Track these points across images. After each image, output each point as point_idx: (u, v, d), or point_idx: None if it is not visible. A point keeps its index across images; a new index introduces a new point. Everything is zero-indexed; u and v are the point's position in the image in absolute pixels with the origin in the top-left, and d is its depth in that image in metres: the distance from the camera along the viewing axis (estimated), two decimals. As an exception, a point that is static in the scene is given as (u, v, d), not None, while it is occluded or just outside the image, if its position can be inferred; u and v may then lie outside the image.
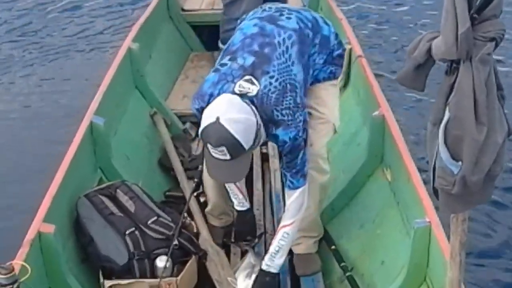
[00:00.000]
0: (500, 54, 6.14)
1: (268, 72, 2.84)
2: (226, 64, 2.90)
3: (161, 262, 3.05)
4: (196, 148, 4.27)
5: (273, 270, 3.11)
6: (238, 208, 3.40)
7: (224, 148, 2.64)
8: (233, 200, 3.37)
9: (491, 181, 1.90)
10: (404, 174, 3.16)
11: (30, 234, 2.78)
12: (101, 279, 3.05)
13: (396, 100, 5.52)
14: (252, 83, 2.81)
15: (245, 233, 3.44)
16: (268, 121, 2.83)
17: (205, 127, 2.67)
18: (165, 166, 4.14)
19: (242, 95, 2.77)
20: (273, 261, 3.09)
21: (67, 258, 2.99)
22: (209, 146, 2.69)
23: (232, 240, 3.54)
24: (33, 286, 2.63)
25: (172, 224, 3.19)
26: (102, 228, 3.14)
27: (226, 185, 3.33)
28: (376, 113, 3.51)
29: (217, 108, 2.70)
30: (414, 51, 1.91)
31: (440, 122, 1.86)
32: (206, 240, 3.43)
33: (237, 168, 2.77)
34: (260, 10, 3.16)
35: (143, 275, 3.06)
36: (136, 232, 3.12)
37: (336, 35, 3.23)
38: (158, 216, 3.21)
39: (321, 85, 3.21)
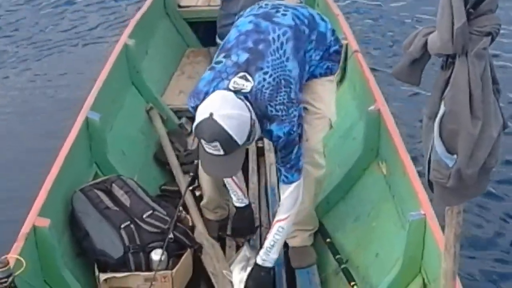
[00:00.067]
0: (496, 48, 6.15)
1: (262, 68, 2.85)
2: (221, 62, 2.92)
3: (156, 255, 3.06)
4: (192, 142, 4.27)
5: (268, 264, 3.12)
6: (237, 205, 3.40)
7: (217, 144, 2.65)
8: (232, 196, 3.38)
9: (486, 174, 1.91)
10: (400, 168, 3.17)
11: (25, 228, 2.78)
12: (97, 273, 3.06)
13: (392, 94, 5.52)
14: (246, 80, 2.82)
15: (243, 229, 3.45)
16: (263, 117, 2.84)
17: (199, 123, 2.69)
18: (161, 161, 4.15)
19: (237, 92, 2.79)
20: (268, 256, 3.10)
21: (62, 252, 2.99)
22: (202, 141, 2.70)
23: (228, 233, 3.56)
24: (28, 280, 2.63)
25: (167, 218, 3.19)
26: (98, 222, 3.14)
27: (225, 181, 3.34)
28: (372, 107, 3.53)
29: (211, 104, 2.71)
30: (409, 46, 1.91)
31: (436, 116, 1.87)
32: (201, 234, 3.43)
33: (231, 163, 2.78)
34: (257, 7, 3.17)
35: (138, 268, 3.06)
36: (131, 226, 3.12)
37: (333, 32, 3.23)
38: (154, 210, 3.22)
39: (317, 81, 3.21)
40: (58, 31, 7.64)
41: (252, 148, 4.15)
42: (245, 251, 3.31)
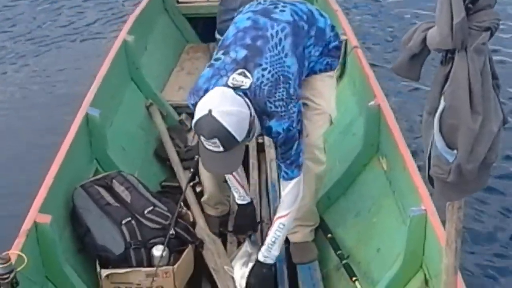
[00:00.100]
0: (495, 43, 6.15)
1: (260, 65, 2.85)
2: (219, 59, 2.92)
3: (157, 251, 3.06)
4: (192, 138, 4.28)
5: (270, 261, 3.13)
6: (239, 202, 3.41)
7: (216, 140, 2.66)
8: (234, 193, 3.39)
9: (486, 169, 1.91)
10: (400, 163, 3.18)
11: (27, 224, 2.78)
12: (98, 269, 3.06)
13: (391, 89, 5.53)
14: (245, 76, 2.82)
15: (245, 227, 3.45)
16: (262, 113, 2.84)
17: (198, 120, 2.69)
18: (161, 157, 4.15)
19: (236, 88, 2.79)
20: (270, 252, 3.11)
21: (64, 248, 3.00)
22: (202, 138, 2.71)
23: (229, 229, 3.56)
24: (30, 276, 2.64)
25: (168, 214, 3.19)
26: (98, 218, 3.15)
27: (227, 179, 3.34)
28: (372, 103, 3.53)
29: (210, 101, 2.71)
30: (409, 41, 1.91)
31: (435, 111, 1.87)
32: (202, 229, 3.44)
33: (231, 160, 2.79)
34: (255, 3, 3.17)
35: (139, 264, 3.06)
36: (133, 222, 3.12)
37: (332, 27, 3.24)
38: (154, 205, 3.22)
39: (317, 77, 3.22)
40: (56, 27, 7.64)
41: (253, 144, 4.15)
42: (246, 246, 3.32)
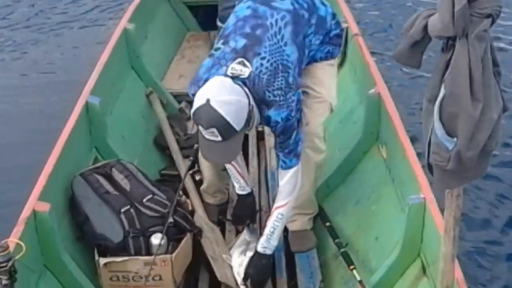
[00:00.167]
0: (496, 31, 6.14)
1: (259, 54, 2.84)
2: (219, 48, 2.91)
3: (156, 239, 3.06)
4: (192, 127, 4.27)
5: (269, 252, 3.14)
6: (239, 192, 3.41)
7: (214, 130, 2.65)
8: (235, 184, 3.39)
9: (486, 157, 1.91)
10: (400, 151, 3.17)
11: (25, 212, 2.78)
12: (96, 257, 3.06)
13: (392, 77, 5.52)
14: (244, 65, 2.81)
15: (244, 217, 3.45)
16: (261, 102, 2.84)
17: (196, 109, 2.69)
18: (161, 145, 4.14)
19: (234, 77, 2.78)
20: (269, 243, 3.11)
21: (62, 237, 2.99)
22: (200, 127, 2.70)
23: (228, 218, 3.56)
24: (28, 264, 2.63)
25: (167, 202, 3.19)
26: (97, 206, 3.14)
27: (228, 170, 3.34)
28: (372, 91, 3.52)
29: (208, 91, 2.70)
30: (410, 28, 1.90)
31: (436, 99, 1.86)
32: (201, 218, 3.44)
33: (229, 149, 2.78)
34: None
35: (138, 253, 3.06)
36: (131, 210, 3.12)
37: (334, 15, 3.22)
38: (153, 194, 3.22)
39: (318, 65, 3.20)
40: (55, 14, 7.66)
41: (252, 132, 4.14)
42: (244, 235, 3.32)
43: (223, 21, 3.18)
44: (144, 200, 3.17)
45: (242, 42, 2.87)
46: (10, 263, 2.35)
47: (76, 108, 3.48)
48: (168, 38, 5.27)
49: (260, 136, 4.20)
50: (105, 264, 3.04)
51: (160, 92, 4.46)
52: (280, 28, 2.92)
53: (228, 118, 2.64)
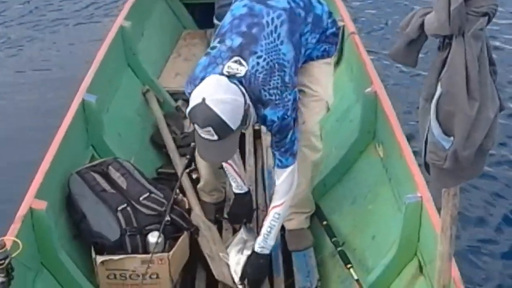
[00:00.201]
0: (493, 29, 6.15)
1: (255, 53, 2.84)
2: (216, 47, 2.91)
3: (153, 237, 3.06)
4: (188, 125, 4.26)
5: (266, 251, 3.15)
6: (236, 191, 3.41)
7: (210, 129, 2.65)
8: (232, 183, 3.39)
9: (483, 156, 1.92)
10: (396, 150, 3.17)
11: (22, 210, 2.77)
12: (93, 255, 3.06)
13: (389, 76, 5.53)
14: (240, 64, 2.81)
15: (241, 216, 3.45)
16: (257, 101, 2.84)
17: (192, 108, 2.69)
18: (157, 143, 4.14)
19: (231, 76, 2.78)
20: (266, 242, 3.12)
21: (59, 235, 2.99)
22: (196, 126, 2.70)
23: (225, 216, 3.56)
24: (25, 262, 2.63)
25: (164, 200, 3.19)
26: (94, 204, 3.14)
27: (225, 169, 3.34)
28: (368, 89, 3.52)
29: (204, 90, 2.70)
30: (406, 26, 1.91)
31: (432, 98, 1.87)
32: (198, 216, 3.44)
33: (226, 148, 2.78)
34: None
35: (135, 251, 3.06)
36: (128, 208, 3.12)
37: (330, 14, 3.22)
38: (150, 192, 3.22)
39: (314, 63, 3.20)
40: (50, 11, 7.63)
41: (249, 131, 4.14)
42: (242, 233, 3.32)
43: (220, 19, 3.17)
44: (141, 198, 3.17)
45: (238, 40, 2.87)
46: (7, 261, 2.35)
47: (73, 105, 3.47)
48: (164, 36, 5.26)
49: (257, 135, 4.20)
50: (102, 262, 3.03)
51: (157, 90, 4.45)
52: (276, 27, 2.92)
53: (224, 117, 2.64)
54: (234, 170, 3.31)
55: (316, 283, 3.22)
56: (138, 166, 3.43)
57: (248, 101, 2.78)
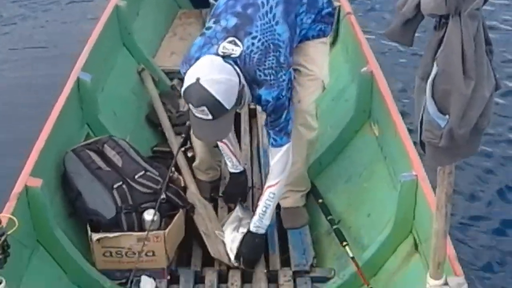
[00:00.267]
0: (489, 9, 6.14)
1: (250, 33, 2.85)
2: (210, 27, 2.92)
3: (148, 215, 3.07)
4: (184, 104, 4.25)
5: (262, 231, 3.17)
6: (232, 171, 3.43)
7: (205, 108, 2.66)
8: (227, 162, 3.40)
9: (478, 134, 1.92)
10: (392, 129, 3.18)
11: (17, 188, 2.78)
12: (89, 233, 3.07)
13: (384, 56, 5.51)
14: (235, 44, 2.82)
15: (236, 195, 3.47)
16: (252, 81, 2.85)
17: (187, 88, 2.70)
18: (153, 122, 4.14)
19: (225, 57, 2.79)
20: (262, 222, 3.14)
21: (55, 212, 3.00)
22: (191, 106, 2.71)
23: (220, 194, 3.57)
24: (21, 239, 2.64)
25: (159, 179, 3.20)
26: (90, 182, 3.15)
27: (220, 148, 3.35)
28: (364, 69, 3.52)
29: (198, 70, 2.71)
30: (403, 6, 1.90)
31: (428, 77, 1.87)
32: (193, 194, 3.45)
33: (220, 127, 2.80)
34: None
35: (131, 229, 3.07)
36: (124, 186, 3.13)
37: (325, -6, 3.21)
38: (146, 170, 3.22)
39: (310, 43, 3.20)
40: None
41: (245, 110, 4.14)
42: (237, 211, 3.33)
43: (216, -2, 3.16)
44: (136, 176, 3.18)
45: (233, 21, 2.87)
46: (2, 238, 2.35)
47: (68, 84, 3.46)
48: (160, 15, 5.24)
49: (253, 114, 4.20)
50: (98, 239, 3.05)
51: (152, 69, 4.44)
52: (271, 7, 2.92)
53: (218, 97, 2.65)
54: (230, 149, 3.32)
55: (311, 260, 3.23)
56: (134, 145, 3.43)
57: (243, 81, 2.79)
